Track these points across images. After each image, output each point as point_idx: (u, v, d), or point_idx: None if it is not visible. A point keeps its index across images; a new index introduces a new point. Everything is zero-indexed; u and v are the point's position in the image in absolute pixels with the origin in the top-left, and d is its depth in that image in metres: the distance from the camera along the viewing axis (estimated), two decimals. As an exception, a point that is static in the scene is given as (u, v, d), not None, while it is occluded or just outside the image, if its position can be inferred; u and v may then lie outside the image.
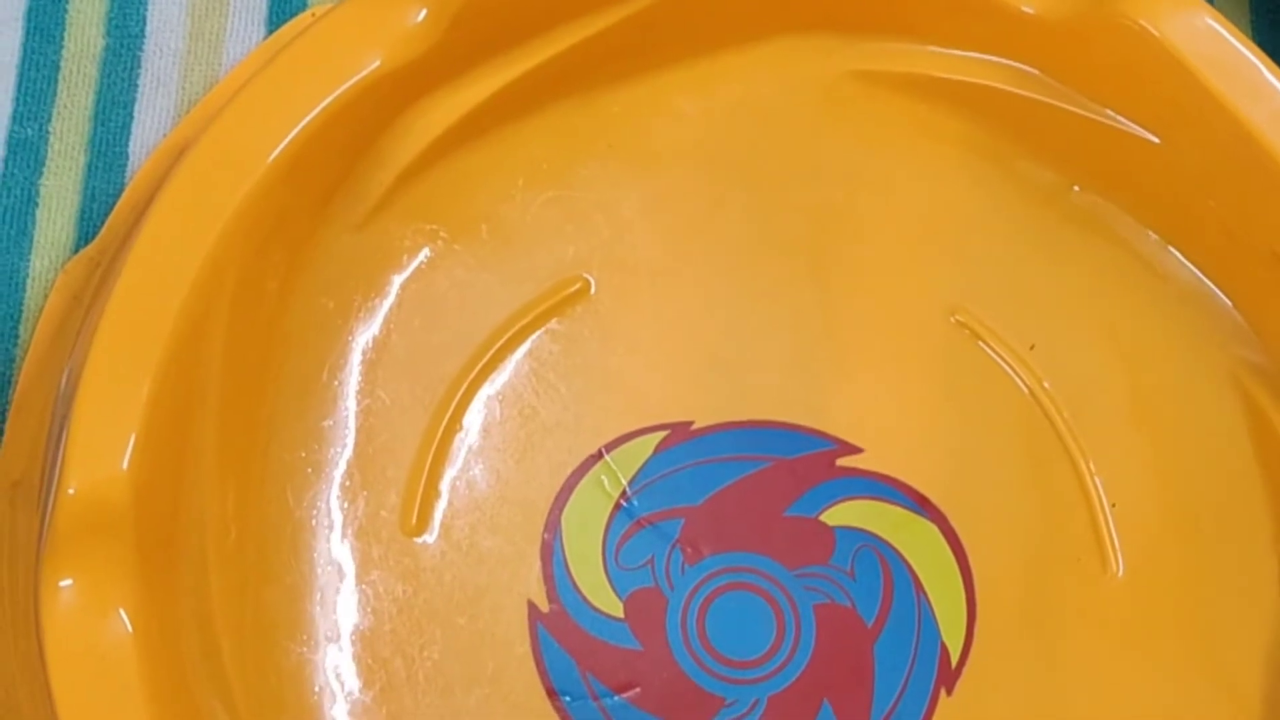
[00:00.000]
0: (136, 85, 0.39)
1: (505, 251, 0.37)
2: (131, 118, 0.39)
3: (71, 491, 0.31)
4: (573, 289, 0.37)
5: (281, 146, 0.33)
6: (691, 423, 0.37)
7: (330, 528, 0.36)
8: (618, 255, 0.38)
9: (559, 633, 0.36)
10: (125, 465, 0.31)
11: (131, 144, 0.38)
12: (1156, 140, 0.36)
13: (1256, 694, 0.36)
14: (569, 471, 0.37)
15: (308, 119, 0.33)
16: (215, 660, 0.33)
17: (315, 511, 0.36)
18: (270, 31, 0.39)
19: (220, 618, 0.34)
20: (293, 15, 0.39)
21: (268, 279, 0.35)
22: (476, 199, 0.37)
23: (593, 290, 0.38)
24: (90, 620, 0.31)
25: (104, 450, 0.31)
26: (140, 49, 0.39)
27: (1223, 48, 0.34)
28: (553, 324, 0.37)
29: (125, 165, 0.38)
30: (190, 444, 0.33)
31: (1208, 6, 0.35)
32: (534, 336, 0.37)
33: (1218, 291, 0.37)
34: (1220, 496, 0.37)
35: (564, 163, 0.38)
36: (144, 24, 0.39)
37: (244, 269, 0.34)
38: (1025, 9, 0.35)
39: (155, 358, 0.32)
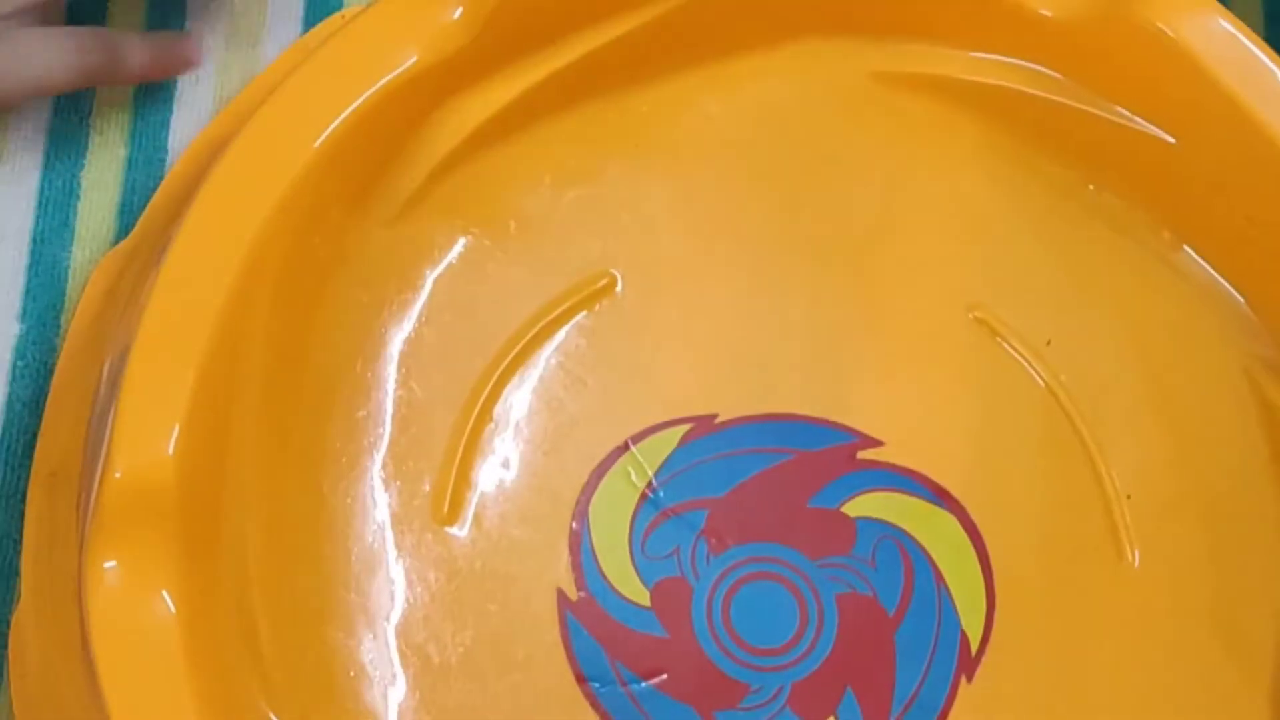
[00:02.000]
0: (175, 81, 0.40)
1: (534, 247, 0.38)
2: (170, 112, 0.39)
3: (118, 475, 0.31)
4: (600, 284, 0.38)
5: (323, 138, 0.34)
6: (716, 416, 0.38)
7: (364, 516, 0.36)
8: (644, 252, 0.38)
9: (588, 620, 0.37)
10: (171, 450, 0.32)
11: (171, 138, 0.39)
12: (1172, 140, 0.37)
13: (1271, 678, 0.36)
14: (596, 463, 0.38)
15: (346, 113, 0.34)
16: (253, 642, 0.34)
17: (349, 500, 0.36)
18: (306, 29, 0.40)
19: (259, 601, 0.34)
20: (328, 14, 0.40)
21: (307, 271, 0.35)
22: (506, 195, 0.38)
23: (619, 286, 0.38)
24: (134, 601, 0.31)
25: (150, 435, 0.32)
26: (180, 44, 0.40)
27: (1237, 50, 0.35)
28: (580, 318, 0.38)
29: (164, 159, 0.39)
30: (232, 431, 0.34)
31: (1222, 9, 0.36)
32: (562, 331, 0.38)
33: (1231, 289, 0.38)
34: (1233, 488, 0.37)
35: (592, 161, 0.39)
36: (183, 20, 0.40)
37: (284, 260, 0.34)
38: (1043, 12, 0.36)
39: (199, 346, 0.33)
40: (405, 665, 0.36)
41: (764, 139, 0.39)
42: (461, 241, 0.38)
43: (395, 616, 0.36)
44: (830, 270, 0.39)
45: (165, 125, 0.39)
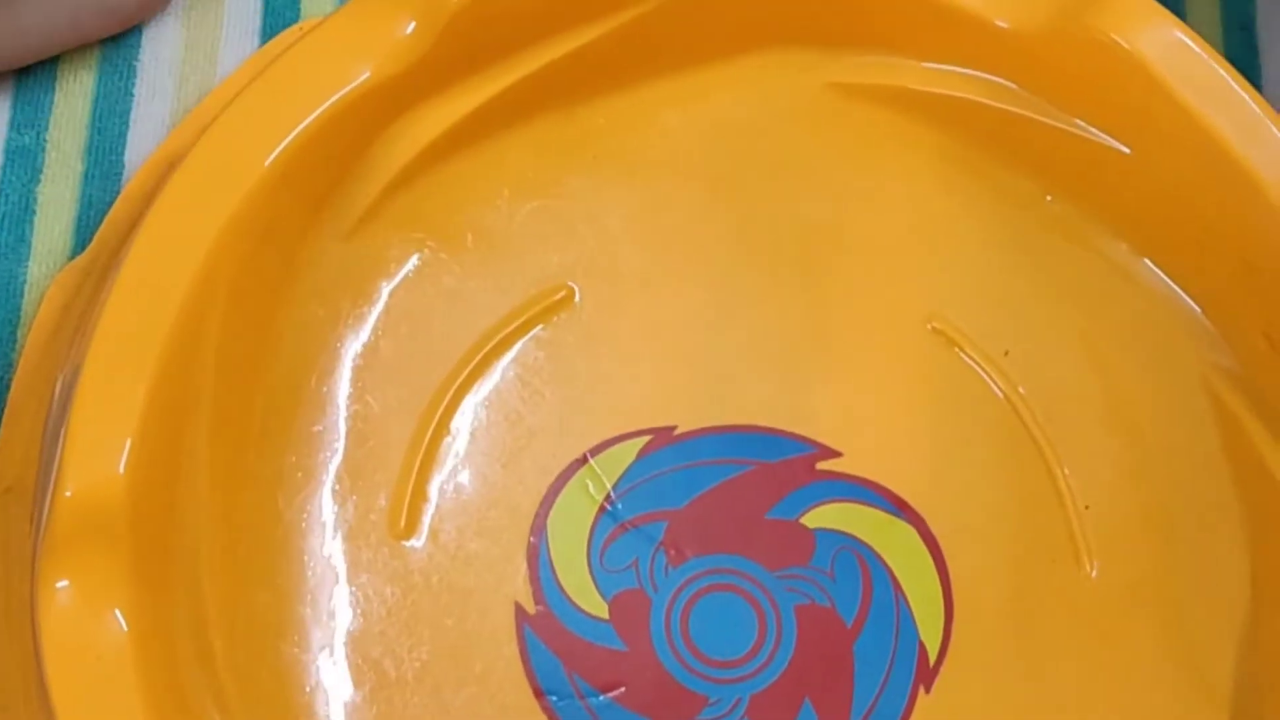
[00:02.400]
0: (132, 94, 0.40)
1: (491, 260, 0.38)
2: (127, 126, 0.39)
3: (69, 494, 0.31)
4: (558, 297, 0.38)
5: (274, 155, 0.34)
6: (674, 427, 0.38)
7: (320, 531, 0.36)
8: (602, 264, 0.38)
9: (545, 634, 0.37)
10: (122, 468, 0.32)
11: (128, 153, 0.39)
12: (1127, 151, 0.37)
13: (1229, 689, 0.36)
14: (554, 476, 0.38)
15: (299, 128, 0.34)
16: (208, 660, 0.34)
17: (305, 515, 0.36)
18: (263, 42, 0.40)
19: (214, 619, 0.34)
20: (286, 26, 0.40)
21: (260, 286, 0.35)
22: (463, 208, 0.38)
23: (577, 298, 0.38)
24: (87, 620, 0.31)
25: (101, 453, 0.32)
26: (136, 58, 0.40)
27: (1192, 61, 0.35)
28: (538, 331, 0.38)
29: (121, 174, 0.39)
30: (184, 448, 0.34)
31: (1178, 21, 0.36)
32: (520, 343, 0.38)
33: (1188, 299, 0.38)
34: (1192, 498, 0.37)
35: (550, 173, 0.39)
36: (139, 34, 0.40)
37: (237, 276, 0.34)
38: (1000, 23, 0.36)
39: (151, 362, 0.33)
40: (361, 680, 0.36)
41: (722, 151, 0.39)
42: (418, 255, 0.38)
43: (351, 631, 0.36)
44: (789, 281, 0.39)
45: (122, 140, 0.39)
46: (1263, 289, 0.36)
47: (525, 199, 0.38)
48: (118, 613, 0.32)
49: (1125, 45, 0.35)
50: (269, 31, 0.40)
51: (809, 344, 0.39)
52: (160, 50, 0.40)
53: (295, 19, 0.40)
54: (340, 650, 0.36)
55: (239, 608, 0.35)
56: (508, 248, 0.38)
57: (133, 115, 0.39)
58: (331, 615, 0.36)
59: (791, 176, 0.39)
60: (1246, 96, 0.35)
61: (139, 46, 0.40)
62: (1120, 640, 0.37)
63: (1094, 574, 0.37)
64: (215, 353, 0.34)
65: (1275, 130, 0.35)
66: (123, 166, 0.39)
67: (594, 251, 0.38)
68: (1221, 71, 0.35)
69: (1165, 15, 0.35)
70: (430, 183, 0.38)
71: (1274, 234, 0.35)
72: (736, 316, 0.39)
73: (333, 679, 0.36)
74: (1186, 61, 0.35)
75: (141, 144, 0.39)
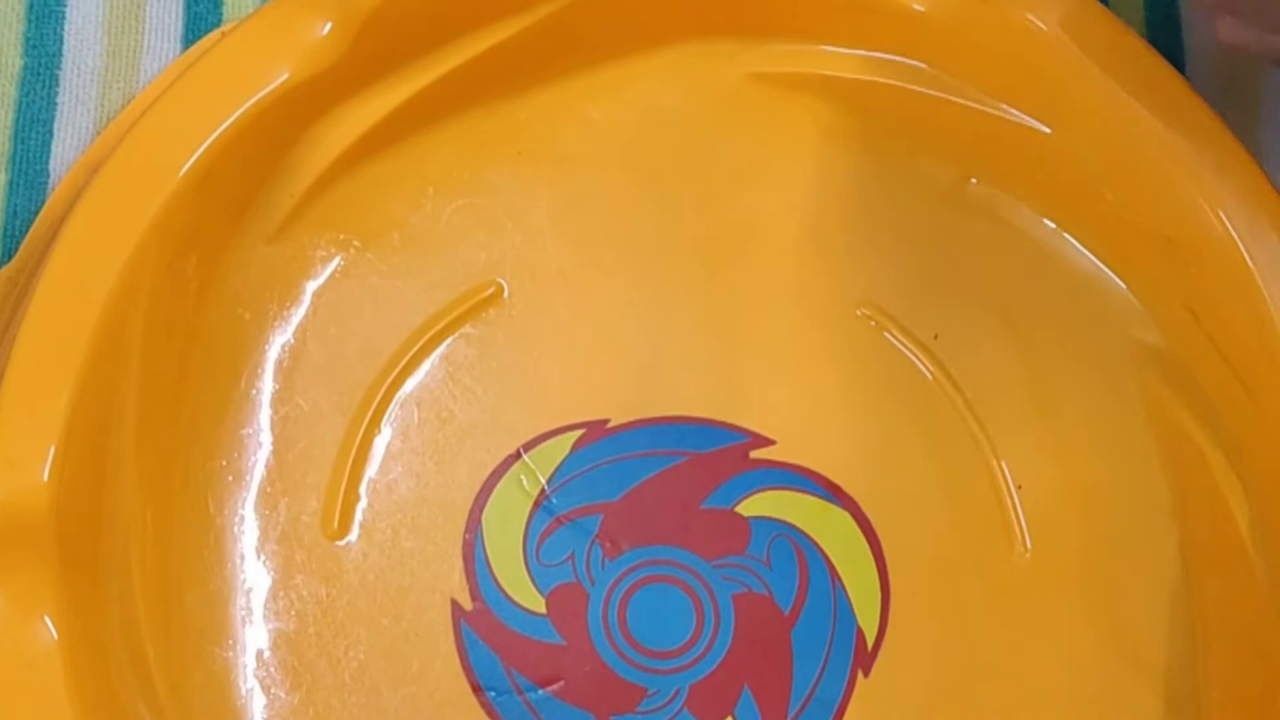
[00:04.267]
0: (55, 103, 0.39)
1: (418, 258, 0.38)
2: (51, 135, 0.39)
3: (-7, 503, 0.31)
4: (486, 293, 0.38)
5: (192, 161, 0.34)
6: (607, 421, 0.38)
7: (252, 534, 0.36)
8: (529, 260, 0.38)
9: (482, 630, 0.37)
10: (45, 476, 0.32)
11: (52, 161, 0.39)
12: (1048, 130, 0.37)
13: (1160, 665, 0.37)
14: (488, 472, 0.38)
15: (218, 133, 0.34)
16: (142, 666, 0.34)
17: (237, 518, 0.36)
18: (186, 48, 0.40)
19: (146, 624, 0.34)
20: (208, 32, 0.40)
21: (183, 291, 0.35)
22: (389, 207, 0.38)
23: (506, 294, 0.38)
24: (15, 628, 0.32)
25: (24, 462, 0.32)
26: (58, 67, 0.40)
27: (1108, 38, 0.36)
28: (467, 328, 0.38)
29: (46, 183, 0.39)
30: (110, 454, 0.34)
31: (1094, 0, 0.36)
32: (449, 340, 0.38)
33: (1113, 276, 0.38)
34: (1121, 475, 0.38)
35: (474, 170, 0.39)
36: (61, 43, 0.40)
37: (158, 282, 0.34)
38: (916, 6, 0.36)
39: (73, 370, 0.33)
40: (298, 682, 0.36)
41: (646, 142, 0.39)
42: (344, 256, 0.38)
43: (286, 633, 0.36)
44: (717, 271, 0.39)
45: (46, 149, 0.39)
46: (1183, 262, 0.36)
47: (451, 196, 0.38)
48: (47, 620, 0.32)
49: (1040, 25, 0.35)
50: (191, 37, 0.40)
51: (739, 333, 0.39)
52: (83, 59, 0.40)
53: (218, 23, 0.40)
54: (275, 653, 0.36)
55: (172, 612, 0.35)
56: (435, 245, 0.38)
57: (56, 124, 0.39)
58: (266, 618, 0.36)
59: (716, 167, 0.39)
60: (1163, 71, 0.36)
61: (61, 55, 0.40)
62: (1055, 618, 0.37)
63: (1028, 554, 0.38)
64: (139, 359, 0.34)
65: (1192, 103, 0.36)
66: (48, 175, 0.39)
67: (521, 247, 0.38)
68: (1138, 47, 0.36)
69: (1080, -7, 0.36)
70: (355, 183, 0.38)
71: (1193, 207, 0.35)
72: (666, 308, 0.39)
73: (268, 681, 0.36)
74: (1102, 39, 0.36)
75: (66, 153, 0.39)
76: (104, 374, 0.33)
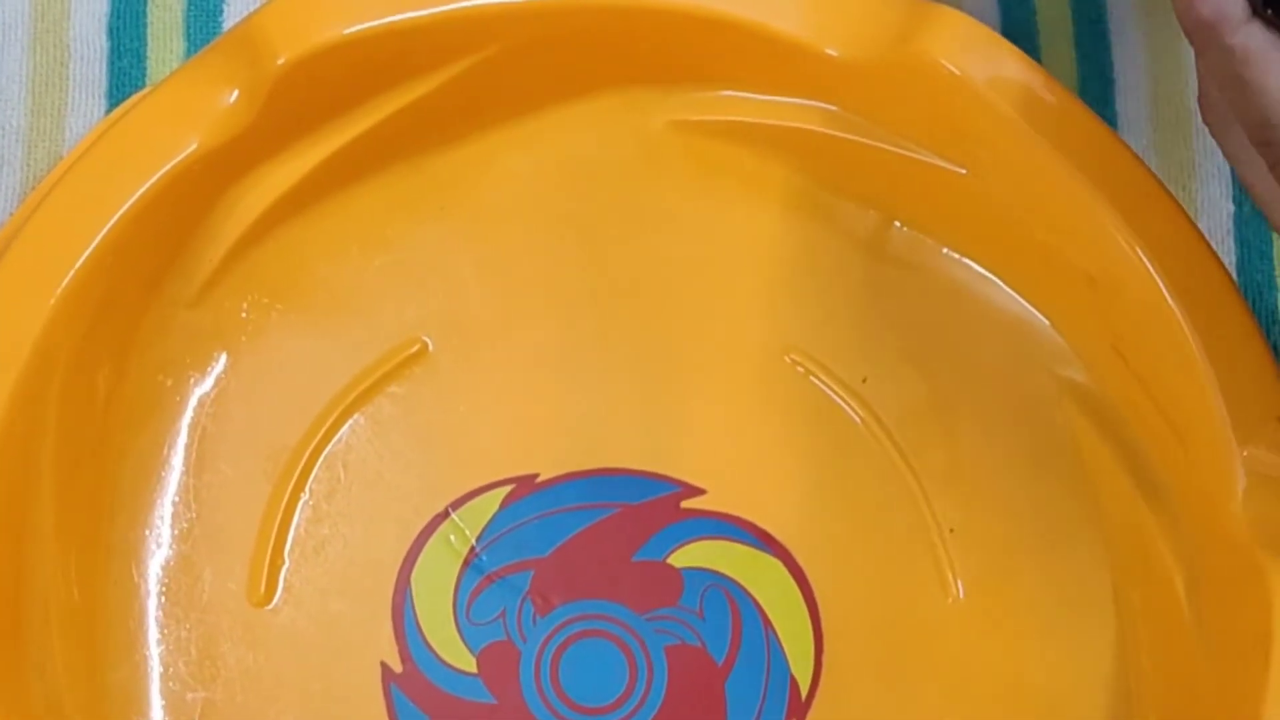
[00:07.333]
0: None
1: (341, 318, 0.38)
2: (-21, 195, 0.39)
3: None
4: (411, 351, 0.38)
5: (101, 235, 0.34)
6: (536, 475, 0.38)
7: (177, 603, 0.36)
8: (455, 315, 0.38)
9: (413, 692, 0.37)
10: (-42, 554, 0.32)
11: (-22, 223, 0.39)
12: (964, 172, 0.37)
13: (1094, 710, 0.36)
14: (416, 531, 0.38)
15: (127, 205, 0.34)
16: (66, 741, 0.34)
17: (163, 587, 0.36)
18: (112, 106, 0.40)
19: (70, 698, 0.34)
20: (133, 88, 0.40)
21: (99, 361, 0.35)
22: (310, 268, 0.38)
23: (431, 350, 0.38)
24: (-68, 707, 0.32)
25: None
26: (-18, 125, 0.40)
27: (1021, 81, 0.35)
28: (392, 387, 0.38)
29: (-30, 247, 0.39)
30: (28, 528, 0.34)
31: (1005, 42, 0.35)
32: (374, 400, 0.38)
33: (1038, 314, 0.38)
34: (1051, 516, 0.37)
35: (397, 227, 0.38)
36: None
37: (72, 354, 0.34)
38: (830, 51, 0.36)
39: (-16, 447, 0.33)
40: (226, 751, 0.36)
41: (568, 192, 0.39)
42: (266, 318, 0.38)
43: (214, 702, 0.36)
44: (643, 321, 0.39)
45: (-28, 210, 0.39)
46: (1105, 302, 0.36)
47: (373, 254, 0.38)
48: (-35, 697, 0.32)
49: (953, 69, 0.35)
50: (116, 94, 0.40)
51: (667, 383, 0.38)
52: (7, 118, 0.40)
53: (142, 83, 0.40)
54: (203, 722, 0.36)
55: (96, 685, 0.35)
56: (358, 304, 0.38)
57: (-17, 184, 0.39)
58: (192, 687, 0.36)
59: (639, 216, 0.39)
60: (1076, 110, 0.35)
61: (-16, 115, 0.40)
62: (988, 661, 0.37)
63: (960, 596, 0.37)
64: (55, 431, 0.34)
65: (1108, 144, 0.35)
66: (-28, 241, 0.39)
67: (445, 302, 0.38)
68: (1051, 86, 0.35)
69: (992, 37, 0.35)
70: (276, 244, 0.38)
71: (1112, 247, 0.35)
72: (593, 359, 0.38)
73: (197, 752, 0.36)
74: (1015, 81, 0.35)
75: (-9, 214, 0.39)
76: (17, 450, 0.33)
